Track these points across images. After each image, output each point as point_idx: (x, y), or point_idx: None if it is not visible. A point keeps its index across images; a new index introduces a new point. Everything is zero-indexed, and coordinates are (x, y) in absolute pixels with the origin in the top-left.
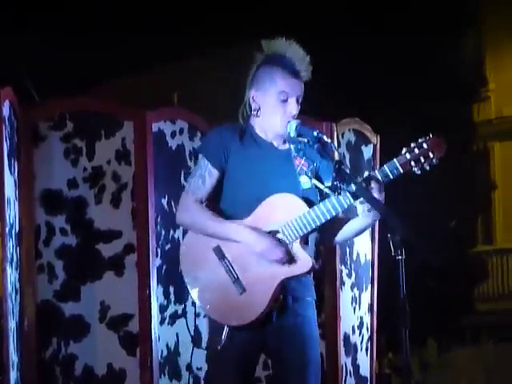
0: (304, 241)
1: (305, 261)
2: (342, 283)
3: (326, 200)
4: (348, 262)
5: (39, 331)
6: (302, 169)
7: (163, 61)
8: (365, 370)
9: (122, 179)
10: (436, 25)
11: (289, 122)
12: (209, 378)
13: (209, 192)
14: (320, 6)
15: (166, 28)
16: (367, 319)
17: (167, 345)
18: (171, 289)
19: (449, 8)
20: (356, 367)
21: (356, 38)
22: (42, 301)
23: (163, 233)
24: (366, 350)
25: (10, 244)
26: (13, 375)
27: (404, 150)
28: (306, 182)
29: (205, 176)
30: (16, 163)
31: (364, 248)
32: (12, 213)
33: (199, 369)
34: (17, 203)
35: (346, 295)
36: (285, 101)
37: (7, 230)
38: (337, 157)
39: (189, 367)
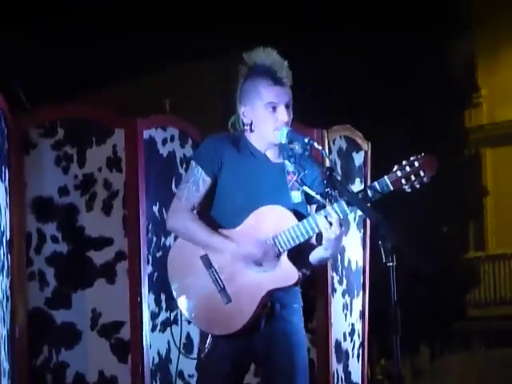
0: (292, 253)
1: (291, 273)
2: (334, 290)
3: (315, 215)
4: (339, 269)
5: (30, 339)
6: (294, 184)
7: (155, 68)
8: (356, 377)
9: (113, 186)
10: (428, 31)
11: (279, 129)
12: None
13: (201, 199)
14: (311, 13)
15: (157, 35)
16: (359, 326)
17: (158, 352)
18: (162, 296)
19: (440, 14)
20: (347, 374)
21: (347, 44)
22: (33, 308)
23: (154, 240)
24: (358, 356)
25: (1, 251)
26: (4, 382)
27: (395, 168)
28: (297, 196)
29: (199, 183)
30: (7, 170)
31: (355, 255)
32: (3, 220)
33: (191, 376)
34: (8, 210)
35: (337, 302)
36: (274, 110)
37: None
38: (328, 164)
39: (180, 374)
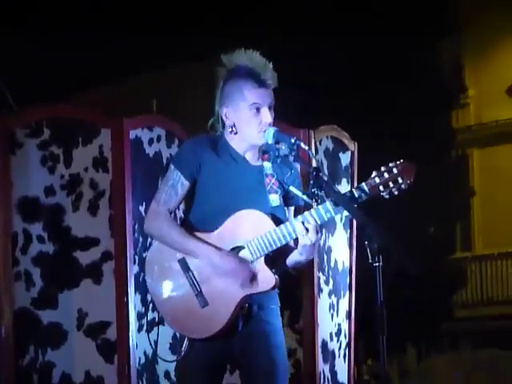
0: (269, 258)
1: (268, 278)
2: (320, 290)
3: (293, 220)
4: (326, 269)
5: (16, 339)
6: (272, 187)
7: (143, 68)
8: (343, 377)
9: (99, 186)
10: (415, 31)
11: (265, 129)
12: None
13: (179, 203)
14: (298, 13)
15: (145, 36)
16: (345, 326)
17: (145, 352)
18: (149, 296)
19: (427, 15)
20: (334, 374)
21: (334, 44)
22: (19, 308)
23: (141, 240)
24: (344, 356)
25: None
26: None
27: (373, 174)
28: (275, 200)
29: (177, 187)
30: None
31: (342, 255)
32: None
33: None
34: None
35: (323, 302)
36: (257, 112)
37: None
38: (314, 164)
39: (167, 375)
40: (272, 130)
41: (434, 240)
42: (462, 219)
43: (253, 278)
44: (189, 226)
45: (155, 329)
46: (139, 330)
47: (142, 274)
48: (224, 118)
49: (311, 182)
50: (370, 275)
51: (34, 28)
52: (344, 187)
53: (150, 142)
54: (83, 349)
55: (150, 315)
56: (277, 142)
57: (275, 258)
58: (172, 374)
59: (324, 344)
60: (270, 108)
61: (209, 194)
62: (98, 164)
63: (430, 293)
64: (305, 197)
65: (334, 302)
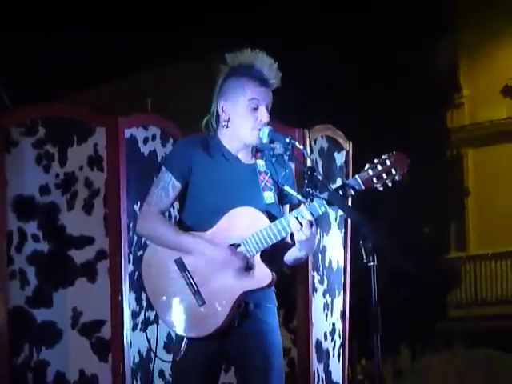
0: (265, 255)
1: (265, 275)
2: (314, 289)
3: (287, 215)
4: (320, 269)
5: (11, 337)
6: (266, 184)
7: (139, 67)
8: (337, 377)
9: (94, 185)
10: (411, 31)
11: (260, 129)
12: None
13: (172, 203)
14: (294, 12)
15: (142, 35)
16: (339, 325)
17: (139, 351)
18: (143, 295)
19: (423, 15)
20: (328, 373)
21: (329, 43)
22: (13, 307)
23: (136, 239)
24: (338, 356)
25: None
26: None
27: (367, 166)
28: (269, 197)
29: (168, 189)
30: None
31: (336, 254)
32: None
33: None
34: None
35: (318, 302)
36: (255, 109)
37: None
38: (309, 163)
39: (161, 374)
40: (267, 130)
41: (429, 240)
42: (456, 219)
43: (248, 269)
44: (183, 227)
45: (150, 328)
46: (134, 328)
47: (137, 273)
48: (220, 111)
49: (306, 181)
50: (365, 275)
51: (28, 27)
52: None
53: (145, 140)
54: (78, 347)
55: (145, 314)
56: (272, 142)
57: (273, 255)
58: (166, 373)
59: (318, 343)
60: (267, 108)
61: (202, 194)
62: (92, 163)
63: (424, 292)
64: (299, 196)
65: (329, 302)
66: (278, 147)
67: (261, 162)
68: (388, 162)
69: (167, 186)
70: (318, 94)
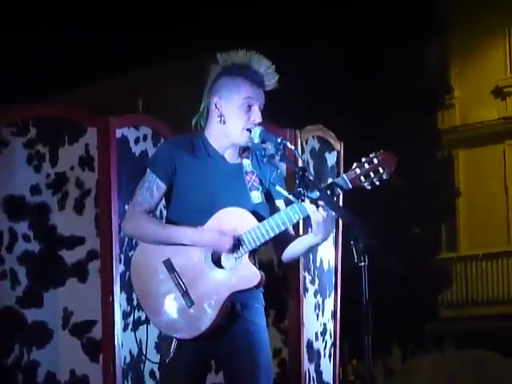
0: (253, 255)
1: (253, 275)
2: (306, 290)
3: (276, 215)
4: (311, 269)
5: (1, 338)
6: (253, 184)
7: (129, 68)
8: (328, 377)
9: (85, 185)
10: (401, 32)
11: (249, 129)
12: None
13: (157, 204)
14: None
15: (133, 35)
16: (330, 326)
17: (130, 351)
18: (134, 295)
19: (414, 15)
20: (319, 373)
21: (320, 44)
22: (4, 307)
23: (127, 239)
24: (330, 356)
25: None
26: None
27: (354, 165)
28: (256, 197)
29: (153, 189)
30: None
31: (327, 254)
32: None
33: None
34: None
35: (309, 302)
36: (249, 108)
37: None
38: (300, 163)
39: (152, 374)
40: (258, 130)
41: (420, 240)
42: (447, 220)
43: (238, 274)
44: None
45: (141, 328)
46: (124, 329)
47: (128, 273)
48: (213, 107)
49: (297, 181)
50: (356, 275)
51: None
52: None
53: (136, 140)
54: (68, 348)
55: (136, 314)
56: (263, 142)
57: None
58: (157, 374)
59: (309, 344)
60: (259, 108)
61: (186, 195)
62: (84, 163)
63: (415, 293)
64: (291, 196)
65: (320, 302)
66: (270, 147)
67: (247, 162)
68: (375, 161)
69: (152, 186)
70: (309, 95)
